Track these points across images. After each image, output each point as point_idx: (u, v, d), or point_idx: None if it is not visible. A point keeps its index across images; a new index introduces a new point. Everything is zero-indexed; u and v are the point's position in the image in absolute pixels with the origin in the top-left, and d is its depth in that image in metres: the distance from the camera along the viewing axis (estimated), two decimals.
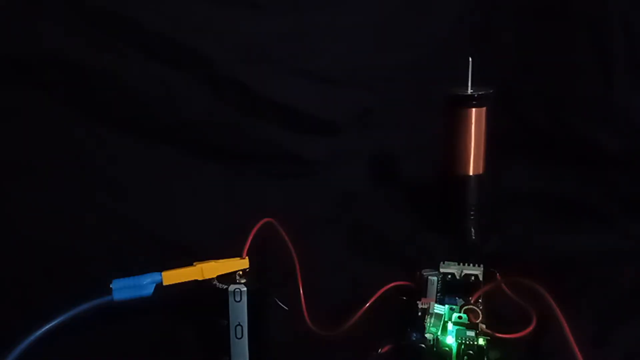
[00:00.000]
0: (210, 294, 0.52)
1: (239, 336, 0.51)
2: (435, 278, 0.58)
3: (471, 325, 0.52)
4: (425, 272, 0.58)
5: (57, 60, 0.67)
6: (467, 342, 0.49)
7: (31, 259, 0.64)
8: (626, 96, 0.84)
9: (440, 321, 0.52)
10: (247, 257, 0.54)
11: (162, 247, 0.67)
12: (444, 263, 0.60)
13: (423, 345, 0.50)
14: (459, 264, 0.60)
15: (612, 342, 0.54)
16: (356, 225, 0.77)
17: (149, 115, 0.72)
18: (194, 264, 0.53)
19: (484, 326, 0.53)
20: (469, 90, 0.71)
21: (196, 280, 0.53)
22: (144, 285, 0.52)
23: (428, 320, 0.52)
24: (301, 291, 0.58)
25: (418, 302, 0.53)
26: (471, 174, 0.73)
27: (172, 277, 0.53)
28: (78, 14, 0.68)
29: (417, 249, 0.72)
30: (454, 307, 0.55)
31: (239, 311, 0.51)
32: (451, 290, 0.58)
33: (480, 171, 0.74)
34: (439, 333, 0.51)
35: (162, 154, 0.73)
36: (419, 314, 0.52)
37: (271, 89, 0.77)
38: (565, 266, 0.67)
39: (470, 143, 0.72)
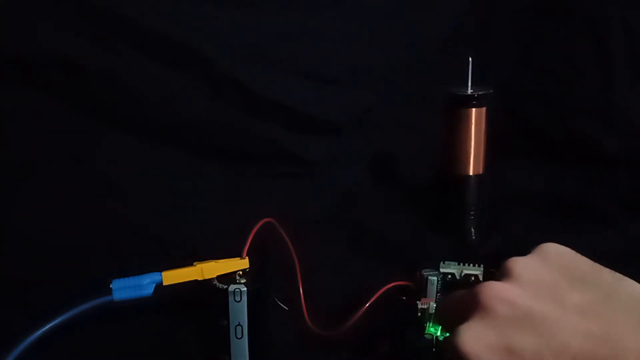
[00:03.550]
0: (210, 294, 0.52)
1: (239, 336, 0.51)
2: (435, 278, 0.58)
3: None
4: (425, 272, 0.58)
5: (57, 60, 0.67)
6: None
7: (31, 259, 0.63)
8: (626, 96, 0.84)
9: None
10: (247, 257, 0.54)
11: (162, 247, 0.67)
12: (444, 263, 0.60)
13: (423, 345, 0.50)
14: (459, 264, 0.60)
15: None
16: (356, 225, 0.77)
17: (149, 114, 0.72)
18: (194, 264, 0.53)
19: None
20: (469, 90, 0.71)
21: (196, 280, 0.53)
22: (144, 285, 0.52)
23: (428, 320, 0.52)
24: (301, 291, 0.58)
25: (418, 302, 0.53)
26: (471, 174, 0.73)
27: (172, 277, 0.53)
28: (77, 13, 0.68)
29: (417, 249, 0.72)
30: None
31: (239, 311, 0.51)
32: (451, 290, 0.58)
33: (480, 171, 0.73)
34: (439, 333, 0.51)
35: (162, 154, 0.73)
36: (419, 314, 0.52)
37: (271, 89, 0.77)
38: None
39: (470, 143, 0.72)
